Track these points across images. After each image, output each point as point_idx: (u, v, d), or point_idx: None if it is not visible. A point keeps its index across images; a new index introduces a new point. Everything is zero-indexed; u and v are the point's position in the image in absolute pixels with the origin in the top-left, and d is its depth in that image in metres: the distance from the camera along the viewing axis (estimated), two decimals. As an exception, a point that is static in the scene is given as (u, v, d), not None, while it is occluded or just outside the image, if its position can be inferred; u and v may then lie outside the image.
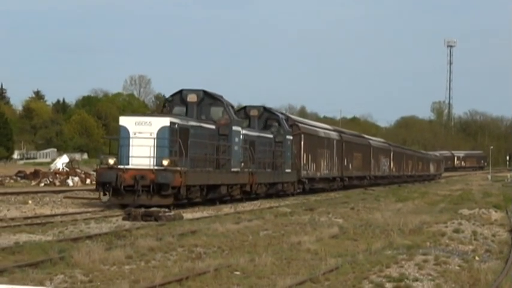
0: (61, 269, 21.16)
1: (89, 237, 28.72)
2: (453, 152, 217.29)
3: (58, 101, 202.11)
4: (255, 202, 54.61)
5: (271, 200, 57.89)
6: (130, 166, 42.71)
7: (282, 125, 63.06)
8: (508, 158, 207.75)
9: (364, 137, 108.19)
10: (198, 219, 38.46)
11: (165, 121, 43.34)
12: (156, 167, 42.34)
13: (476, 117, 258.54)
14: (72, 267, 21.43)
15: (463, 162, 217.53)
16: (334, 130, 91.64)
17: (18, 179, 77.70)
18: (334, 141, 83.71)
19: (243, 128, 55.21)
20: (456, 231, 33.31)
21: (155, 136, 42.85)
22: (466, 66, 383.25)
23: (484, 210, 46.71)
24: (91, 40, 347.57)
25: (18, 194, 53.80)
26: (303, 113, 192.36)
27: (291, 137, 65.08)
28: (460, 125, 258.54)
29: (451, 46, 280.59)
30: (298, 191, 68.10)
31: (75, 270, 21.01)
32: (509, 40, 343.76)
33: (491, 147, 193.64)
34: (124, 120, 44.06)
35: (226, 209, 46.65)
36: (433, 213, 44.60)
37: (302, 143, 70.03)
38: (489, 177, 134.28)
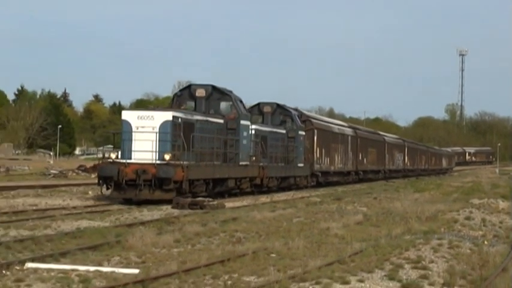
0: (117, 251, 21.25)
1: (142, 223, 28.82)
2: (465, 148, 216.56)
3: (114, 104, 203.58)
4: (289, 193, 54.47)
5: (303, 191, 57.71)
6: (132, 160, 37.92)
7: (294, 120, 58.31)
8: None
9: (379, 134, 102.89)
10: (238, 207, 38.42)
11: (167, 115, 38.50)
12: (158, 162, 37.59)
13: (485, 118, 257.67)
14: (127, 249, 21.49)
15: (473, 158, 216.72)
16: (349, 127, 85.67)
17: (80, 172, 78.38)
18: (349, 137, 78.44)
19: (254, 123, 51.40)
20: (467, 218, 33.20)
21: (157, 130, 37.89)
22: (476, 72, 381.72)
23: (492, 200, 46.51)
24: (145, 48, 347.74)
25: (79, 185, 54.11)
26: (331, 113, 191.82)
27: (304, 133, 60.23)
28: (471, 124, 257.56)
29: (462, 55, 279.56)
30: (312, 184, 63.30)
31: (129, 252, 21.07)
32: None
33: (499, 144, 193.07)
34: (127, 115, 39.17)
35: (263, 198, 46.54)
36: (447, 202, 44.39)
37: (315, 138, 64.64)
38: (497, 171, 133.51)
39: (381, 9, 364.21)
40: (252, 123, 50.58)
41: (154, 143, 37.40)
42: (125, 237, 23.35)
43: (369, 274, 17.12)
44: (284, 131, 56.14)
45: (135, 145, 37.82)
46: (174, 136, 38.20)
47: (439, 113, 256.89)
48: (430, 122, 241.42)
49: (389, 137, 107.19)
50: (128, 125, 38.23)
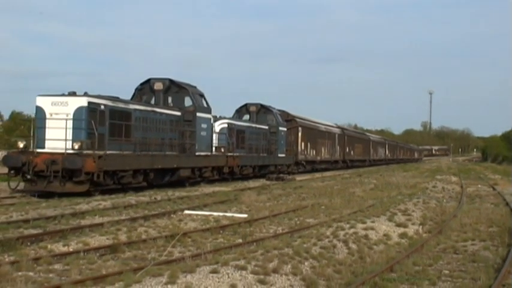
0: (235, 204, 21.27)
1: (249, 188, 28.84)
2: (432, 146, 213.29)
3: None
4: (332, 172, 54.09)
5: (342, 171, 57.32)
6: (45, 150, 21.97)
7: (276, 118, 43.08)
8: (460, 150, 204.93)
9: (365, 134, 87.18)
10: (303, 180, 38.30)
11: (82, 101, 22.02)
12: (68, 151, 21.58)
13: (444, 129, 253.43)
14: (240, 203, 21.51)
15: (437, 152, 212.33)
16: (338, 127, 67.49)
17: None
18: (336, 135, 61.86)
19: (236, 119, 38.65)
20: (434, 186, 32.83)
21: (71, 117, 21.85)
22: (439, 102, 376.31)
23: (447, 176, 46.18)
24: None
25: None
26: (355, 126, 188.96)
27: (285, 129, 44.49)
28: (436, 133, 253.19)
29: (431, 93, 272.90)
30: (299, 170, 48.28)
31: (242, 205, 21.08)
32: (461, 88, 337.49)
33: (452, 144, 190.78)
34: (40, 101, 22.43)
35: (317, 175, 46.32)
36: (422, 177, 43.93)
37: (299, 133, 48.89)
38: (451, 160, 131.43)
39: (386, 64, 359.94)
40: (233, 119, 38.20)
41: (67, 130, 21.93)
42: (239, 196, 23.44)
43: (377, 218, 16.90)
44: (266, 127, 41.55)
45: (48, 133, 22.19)
46: (90, 123, 22.13)
47: (417, 126, 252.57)
48: (412, 132, 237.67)
49: (374, 136, 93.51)
50: (42, 111, 22.36)
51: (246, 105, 43.00)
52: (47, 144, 22.11)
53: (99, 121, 22.48)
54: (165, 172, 27.48)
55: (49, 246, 11.94)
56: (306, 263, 10.61)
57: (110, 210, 18.03)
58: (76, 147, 21.64)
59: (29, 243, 12.19)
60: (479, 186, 35.76)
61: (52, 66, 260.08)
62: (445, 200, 24.66)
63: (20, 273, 9.49)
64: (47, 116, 22.16)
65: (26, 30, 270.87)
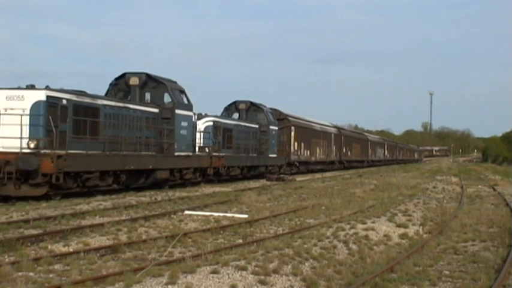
0: (235, 204, 21.28)
1: (250, 189, 28.85)
2: (432, 147, 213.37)
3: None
4: (332, 172, 54.07)
5: (342, 171, 57.26)
6: None
7: (267, 116, 39.67)
8: (460, 150, 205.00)
9: (363, 134, 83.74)
10: (303, 180, 38.28)
11: (39, 95, 19.49)
12: (25, 150, 19.16)
13: (444, 130, 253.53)
14: (240, 204, 21.52)
15: (437, 153, 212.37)
16: (334, 127, 63.15)
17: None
18: (332, 135, 58.30)
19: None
20: (434, 187, 32.81)
21: (28, 113, 19.35)
22: (439, 103, 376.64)
23: (448, 176, 46.21)
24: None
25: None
26: (356, 127, 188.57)
27: (276, 128, 41.15)
28: (436, 133, 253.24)
29: (431, 94, 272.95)
30: (292, 171, 44.97)
31: (242, 205, 21.09)
32: (457, 89, 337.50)
33: (452, 145, 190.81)
34: None
35: (318, 175, 46.28)
36: (422, 178, 43.90)
37: (292, 133, 45.41)
38: (451, 160, 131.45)
39: (386, 64, 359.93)
40: (220, 117, 34.88)
41: (23, 127, 19.31)
42: (240, 197, 23.45)
43: (377, 218, 16.87)
44: (257, 126, 38.39)
45: (2, 130, 19.57)
46: (48, 119, 19.58)
47: (417, 127, 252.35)
48: (412, 132, 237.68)
49: (373, 136, 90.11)
50: None
51: (235, 102, 39.84)
52: (1, 142, 19.65)
53: (61, 117, 20.06)
54: (140, 174, 25.16)
55: (49, 246, 11.94)
56: (307, 264, 10.60)
57: (110, 210, 18.03)
58: (32, 145, 19.33)
59: (29, 244, 12.18)
60: (480, 186, 35.76)
61: (52, 66, 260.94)
62: (445, 201, 24.65)
63: (20, 274, 9.48)
64: (1, 111, 19.66)
65: (26, 30, 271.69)
